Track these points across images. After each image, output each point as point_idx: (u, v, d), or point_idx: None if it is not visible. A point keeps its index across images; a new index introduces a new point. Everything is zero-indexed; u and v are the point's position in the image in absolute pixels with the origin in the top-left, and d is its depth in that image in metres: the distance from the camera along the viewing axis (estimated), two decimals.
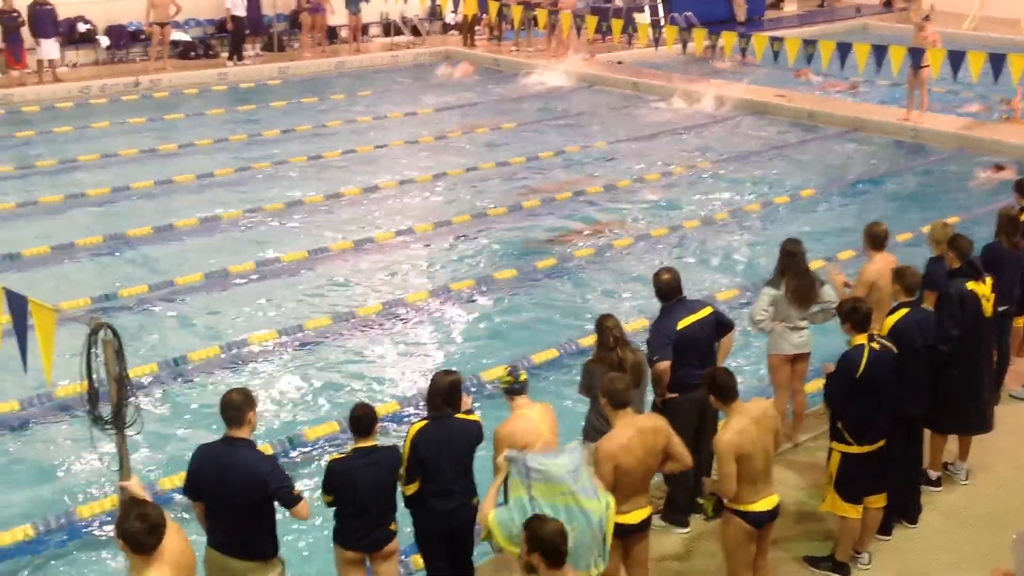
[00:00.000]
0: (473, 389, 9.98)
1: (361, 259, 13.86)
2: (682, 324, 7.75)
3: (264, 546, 6.20)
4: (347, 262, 13.72)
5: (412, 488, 6.63)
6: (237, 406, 6.12)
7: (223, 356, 10.96)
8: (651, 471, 6.65)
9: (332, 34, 27.57)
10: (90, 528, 8.17)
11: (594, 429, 7.19)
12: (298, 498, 6.09)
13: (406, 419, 9.53)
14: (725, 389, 6.65)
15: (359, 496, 6.39)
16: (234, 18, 24.55)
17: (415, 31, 28.97)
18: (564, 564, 5.26)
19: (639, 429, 6.51)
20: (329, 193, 16.23)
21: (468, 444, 6.71)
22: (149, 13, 23.59)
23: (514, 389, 6.89)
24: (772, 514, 6.76)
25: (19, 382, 9.36)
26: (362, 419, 6.47)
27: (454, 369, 7.14)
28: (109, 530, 8.01)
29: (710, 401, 6.89)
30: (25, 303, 6.23)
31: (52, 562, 7.88)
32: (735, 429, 6.51)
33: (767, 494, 6.71)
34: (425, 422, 6.70)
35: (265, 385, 10.40)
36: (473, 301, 12.59)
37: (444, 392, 6.71)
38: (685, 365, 7.68)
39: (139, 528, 5.03)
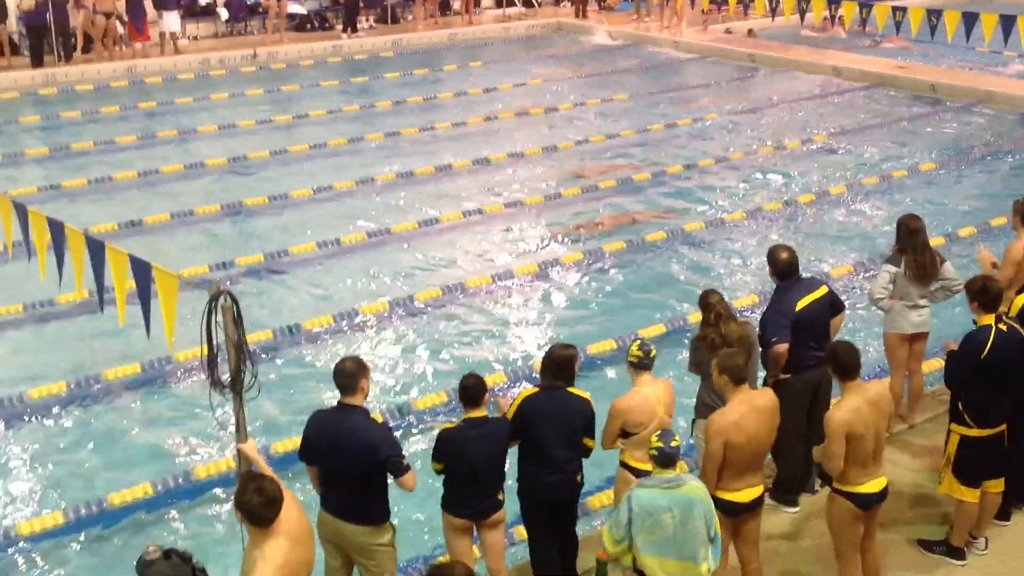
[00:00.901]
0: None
1: (470, 231, 13.93)
2: (801, 304, 7.58)
3: (375, 511, 6.28)
4: (456, 234, 13.80)
5: (515, 443, 6.67)
6: (350, 373, 6.20)
7: (335, 325, 11.14)
8: (764, 449, 6.56)
9: (445, 6, 27.70)
10: (207, 488, 8.41)
11: (705, 406, 7.11)
12: (407, 468, 6.16)
13: (512, 392, 9.60)
14: (847, 366, 6.47)
15: (470, 465, 6.43)
16: None
17: (527, 2, 28.90)
18: None
19: (754, 406, 6.42)
20: (439, 165, 16.34)
21: (576, 418, 6.68)
22: None
23: (642, 364, 6.85)
24: (880, 496, 6.60)
25: (142, 346, 9.63)
26: (471, 389, 6.50)
27: (572, 344, 7.11)
28: (225, 491, 8.27)
29: (824, 380, 6.74)
30: (149, 269, 6.42)
31: (170, 520, 8.12)
32: (849, 408, 6.36)
33: (876, 476, 6.55)
34: (535, 390, 6.71)
35: (375, 354, 10.55)
36: (581, 274, 12.55)
37: (559, 364, 6.71)
38: (801, 346, 7.51)
39: (257, 502, 5.19)
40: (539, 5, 29.03)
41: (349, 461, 6.09)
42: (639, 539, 5.79)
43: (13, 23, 22.26)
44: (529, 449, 6.65)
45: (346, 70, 23.12)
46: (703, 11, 26.47)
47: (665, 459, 5.81)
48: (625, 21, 27.43)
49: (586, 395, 6.79)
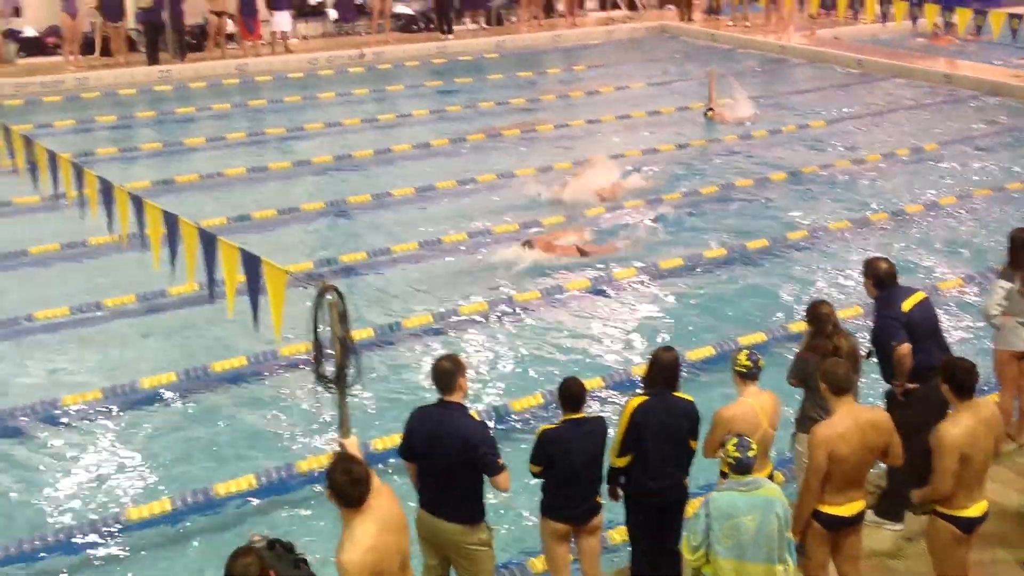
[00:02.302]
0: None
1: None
2: (907, 306, 7.48)
3: (470, 509, 6.32)
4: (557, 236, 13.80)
5: (623, 461, 6.62)
6: (448, 373, 6.26)
7: (434, 323, 11.24)
8: (867, 465, 6.44)
9: (549, 8, 27.76)
10: (309, 482, 8.54)
11: (809, 419, 6.99)
12: (502, 467, 6.20)
13: (608, 398, 9.59)
14: (965, 385, 6.31)
15: (572, 465, 6.42)
16: None
17: (631, 5, 28.80)
18: None
19: (858, 421, 6.31)
20: (540, 166, 16.38)
21: (684, 422, 6.67)
22: None
23: (750, 374, 6.78)
24: (982, 520, 6.43)
25: (248, 338, 9.86)
26: (572, 390, 6.52)
27: (673, 347, 7.09)
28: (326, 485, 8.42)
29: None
30: (259, 263, 6.59)
31: (272, 511, 8.29)
32: (965, 426, 6.19)
33: (980, 499, 6.38)
34: (645, 397, 6.66)
35: (473, 354, 10.62)
36: (681, 280, 12.47)
37: (666, 369, 6.69)
38: (921, 350, 7.36)
39: (343, 480, 5.33)
40: (643, 8, 28.91)
41: (446, 457, 6.14)
42: (717, 544, 5.78)
43: (131, 21, 22.95)
44: (638, 455, 6.61)
45: (450, 71, 23.33)
46: (811, 15, 26.07)
47: (742, 468, 5.82)
48: (731, 26, 27.14)
49: (690, 398, 6.79)
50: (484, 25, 26.57)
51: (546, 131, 18.50)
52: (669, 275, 12.54)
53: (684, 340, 10.89)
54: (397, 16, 25.76)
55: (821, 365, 6.56)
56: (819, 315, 7.25)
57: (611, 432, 6.67)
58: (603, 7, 28.50)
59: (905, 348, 7.32)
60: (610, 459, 6.66)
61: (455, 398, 6.27)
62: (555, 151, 17.37)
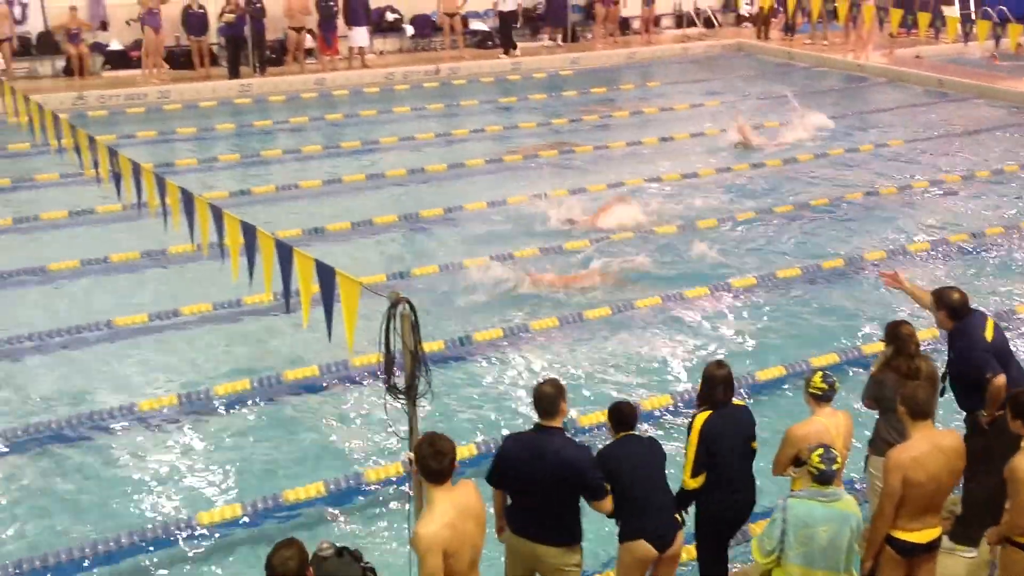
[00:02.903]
0: (743, 390, 9.88)
1: (639, 250, 13.84)
2: (988, 334, 7.32)
3: (573, 531, 6.33)
4: (630, 249, 13.74)
5: (697, 482, 6.55)
6: (551, 398, 6.26)
7: (504, 338, 11.26)
8: (944, 491, 6.33)
9: (625, 25, 27.76)
10: (377, 492, 8.63)
11: (883, 441, 6.89)
12: (608, 491, 6.25)
13: (680, 416, 9.54)
14: None
15: (637, 479, 6.36)
16: (500, 13, 25.06)
17: (708, 23, 28.68)
18: None
19: (936, 445, 6.20)
20: (612, 182, 16.36)
21: (747, 428, 6.69)
22: (439, 4, 24.67)
23: (825, 396, 6.73)
24: None
25: (321, 348, 9.96)
26: (624, 411, 6.52)
27: (724, 361, 7.02)
28: (394, 492, 8.49)
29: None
30: (333, 275, 6.65)
31: (340, 519, 8.37)
32: None
33: None
34: (709, 412, 6.61)
35: (542, 370, 10.63)
36: (754, 299, 12.36)
37: (724, 382, 6.65)
38: (1011, 380, 7.20)
39: (428, 452, 5.55)
40: (719, 25, 28.77)
41: (551, 482, 6.13)
42: (789, 550, 5.86)
43: (213, 36, 23.44)
44: (711, 472, 6.56)
45: (524, 87, 23.43)
46: (890, 34, 25.72)
47: (825, 479, 5.87)
48: (808, 44, 26.89)
49: (743, 403, 6.83)
50: (560, 42, 26.66)
51: (619, 147, 18.48)
52: (742, 293, 12.43)
53: (755, 359, 10.81)
54: (473, 32, 25.97)
55: (901, 388, 6.46)
56: (900, 335, 7.13)
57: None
58: (679, 25, 28.42)
59: (1002, 379, 7.12)
60: (682, 481, 6.61)
61: (556, 423, 6.27)
62: (628, 166, 17.33)
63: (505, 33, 25.40)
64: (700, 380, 6.84)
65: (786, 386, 10.21)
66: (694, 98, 22.10)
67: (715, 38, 27.88)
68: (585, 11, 27.50)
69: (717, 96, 22.32)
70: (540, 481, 6.14)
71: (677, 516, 6.52)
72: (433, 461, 5.54)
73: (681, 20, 28.35)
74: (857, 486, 7.95)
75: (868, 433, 7.38)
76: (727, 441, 6.55)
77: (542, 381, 6.44)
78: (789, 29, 27.80)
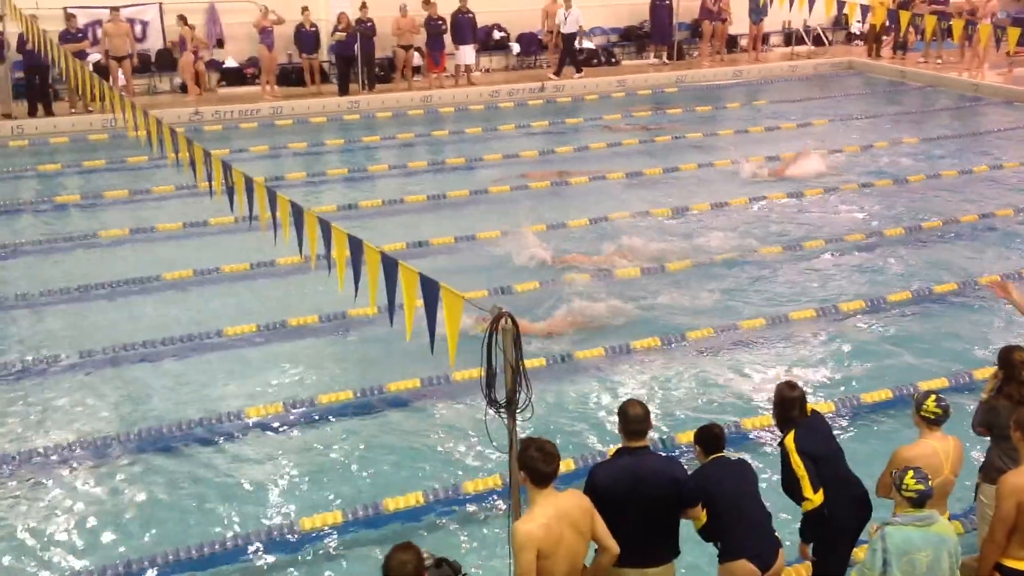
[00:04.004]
0: (849, 415, 9.70)
1: (743, 270, 13.73)
2: None
3: (675, 544, 6.38)
4: (734, 271, 13.64)
5: (820, 497, 6.44)
6: (642, 419, 6.32)
7: (606, 356, 11.23)
8: None
9: (732, 43, 27.54)
10: (474, 503, 8.69)
11: (995, 469, 6.71)
12: (698, 499, 6.28)
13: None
14: None
15: (731, 497, 6.33)
16: (563, 35, 24.58)
17: (818, 40, 28.29)
18: None
19: None
20: (716, 202, 16.23)
21: (831, 430, 6.83)
22: (543, 22, 24.80)
23: (937, 421, 6.63)
24: None
25: (423, 361, 10.05)
26: (714, 431, 6.51)
27: (795, 382, 6.98)
28: (490, 506, 8.54)
29: None
30: (437, 288, 6.73)
31: (437, 530, 8.44)
32: None
33: None
34: (795, 429, 6.59)
35: (639, 388, 10.58)
36: (861, 321, 12.12)
37: (798, 401, 6.67)
38: None
39: (535, 456, 5.73)
40: (830, 43, 28.35)
41: (654, 502, 6.17)
42: None
43: (324, 54, 23.97)
44: (828, 477, 6.50)
45: (629, 104, 23.42)
46: (1008, 53, 25.01)
47: (922, 499, 5.83)
48: (921, 63, 26.33)
49: (810, 407, 6.85)
50: (666, 60, 26.58)
51: (723, 166, 18.33)
52: (848, 316, 12.20)
53: (861, 381, 10.60)
54: (579, 50, 26.01)
55: (1015, 414, 6.30)
56: (1012, 361, 6.98)
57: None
58: (788, 43, 28.08)
59: None
60: (803, 506, 6.51)
61: (644, 443, 6.32)
62: (732, 186, 17.18)
63: (568, 54, 24.94)
64: (773, 404, 6.82)
65: (892, 410, 9.99)
66: (800, 117, 21.80)
67: (825, 56, 27.46)
68: (692, 28, 27.37)
69: (826, 115, 21.97)
70: (643, 500, 6.15)
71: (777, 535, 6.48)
72: (543, 464, 5.74)
73: (790, 38, 28.01)
74: (958, 511, 7.75)
75: (976, 460, 7.20)
76: (823, 447, 6.58)
77: (629, 401, 6.44)
78: (901, 47, 27.25)
